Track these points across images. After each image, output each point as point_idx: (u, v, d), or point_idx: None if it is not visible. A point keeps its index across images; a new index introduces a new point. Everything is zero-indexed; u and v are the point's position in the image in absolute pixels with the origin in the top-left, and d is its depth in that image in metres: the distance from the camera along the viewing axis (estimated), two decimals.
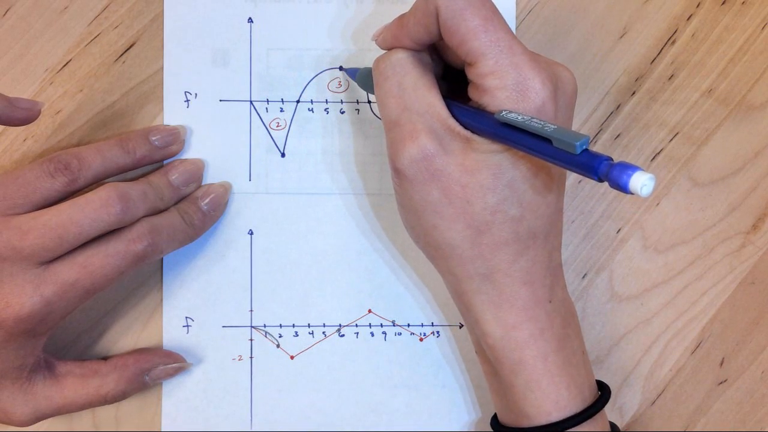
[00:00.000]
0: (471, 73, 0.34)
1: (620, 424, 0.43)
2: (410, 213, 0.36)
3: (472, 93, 0.35)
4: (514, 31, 0.42)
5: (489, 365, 0.37)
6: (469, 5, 0.33)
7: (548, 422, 0.35)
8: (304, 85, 0.43)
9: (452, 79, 0.38)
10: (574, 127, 0.43)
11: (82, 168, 0.37)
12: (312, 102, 0.43)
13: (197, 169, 0.41)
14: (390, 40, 0.37)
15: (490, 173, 0.33)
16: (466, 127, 0.34)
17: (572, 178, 0.43)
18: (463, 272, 0.35)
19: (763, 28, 0.43)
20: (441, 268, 0.37)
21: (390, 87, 0.36)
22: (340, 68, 0.42)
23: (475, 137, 0.34)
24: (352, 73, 0.41)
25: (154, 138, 0.40)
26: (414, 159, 0.34)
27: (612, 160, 0.29)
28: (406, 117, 0.35)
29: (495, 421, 0.39)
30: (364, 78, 0.40)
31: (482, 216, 0.34)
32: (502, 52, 0.33)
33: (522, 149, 0.32)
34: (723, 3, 0.43)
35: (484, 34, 0.33)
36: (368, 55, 0.42)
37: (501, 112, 0.32)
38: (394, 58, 0.36)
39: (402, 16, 0.36)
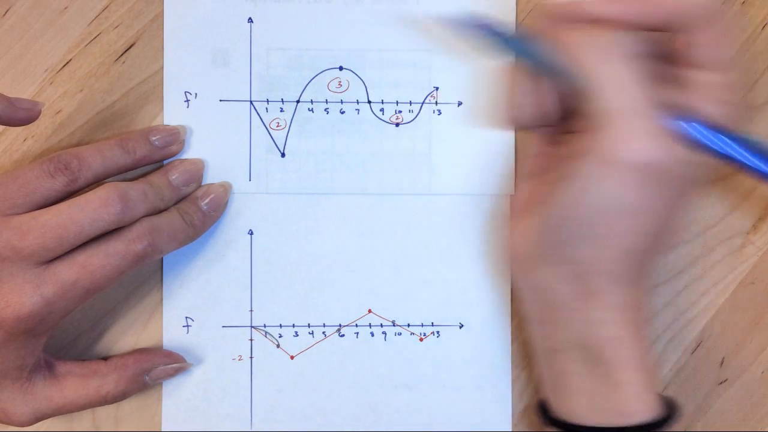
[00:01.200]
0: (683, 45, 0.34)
1: None
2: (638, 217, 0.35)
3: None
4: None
5: (577, 364, 0.37)
6: None
7: (642, 422, 0.36)
8: (304, 85, 0.43)
9: None
10: None
11: (82, 168, 0.37)
12: (312, 102, 0.43)
13: (197, 169, 0.41)
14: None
15: (684, 188, 0.35)
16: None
17: None
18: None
19: (763, 28, 0.43)
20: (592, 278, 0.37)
21: (620, 70, 0.34)
22: (466, 20, 0.37)
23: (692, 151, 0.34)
24: (492, 32, 0.35)
25: (154, 138, 0.40)
26: (651, 160, 0.33)
27: None
28: (641, 108, 0.33)
29: (557, 421, 0.38)
30: (530, 44, 0.35)
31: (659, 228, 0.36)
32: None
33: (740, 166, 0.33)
34: (723, 3, 0.43)
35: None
36: (368, 55, 0.42)
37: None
38: (618, 38, 0.34)
39: None
